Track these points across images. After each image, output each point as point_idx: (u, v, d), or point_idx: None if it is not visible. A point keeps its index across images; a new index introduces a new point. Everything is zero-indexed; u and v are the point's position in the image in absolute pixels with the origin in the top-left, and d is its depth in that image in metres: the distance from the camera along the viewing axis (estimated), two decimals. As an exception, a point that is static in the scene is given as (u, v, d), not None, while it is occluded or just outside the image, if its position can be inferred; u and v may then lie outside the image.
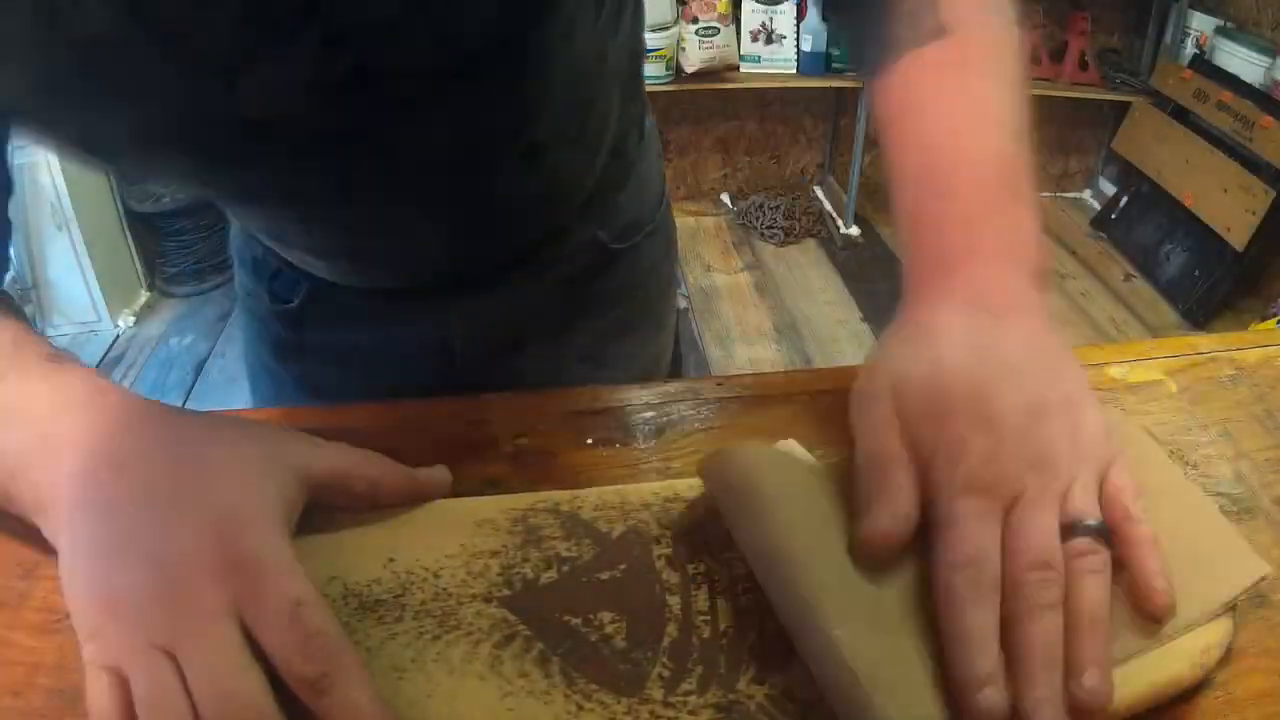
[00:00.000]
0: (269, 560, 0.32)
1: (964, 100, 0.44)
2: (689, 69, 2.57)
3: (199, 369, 2.29)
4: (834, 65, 2.70)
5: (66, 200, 2.25)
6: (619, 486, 0.41)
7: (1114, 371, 0.51)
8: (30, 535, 0.38)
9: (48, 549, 0.38)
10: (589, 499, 0.40)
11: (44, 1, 0.32)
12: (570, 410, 0.48)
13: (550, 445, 0.46)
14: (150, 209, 2.45)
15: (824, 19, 2.62)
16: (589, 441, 0.46)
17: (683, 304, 2.49)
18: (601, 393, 0.49)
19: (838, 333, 2.40)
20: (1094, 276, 2.68)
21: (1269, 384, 0.50)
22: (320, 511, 0.40)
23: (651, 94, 2.82)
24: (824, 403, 0.48)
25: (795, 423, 0.47)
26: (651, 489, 0.41)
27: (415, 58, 0.39)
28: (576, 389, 0.50)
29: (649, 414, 0.48)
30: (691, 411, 0.48)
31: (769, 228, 2.83)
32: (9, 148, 0.41)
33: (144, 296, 2.55)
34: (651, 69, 2.53)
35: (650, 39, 2.47)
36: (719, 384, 0.50)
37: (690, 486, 0.41)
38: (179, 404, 2.17)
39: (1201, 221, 2.40)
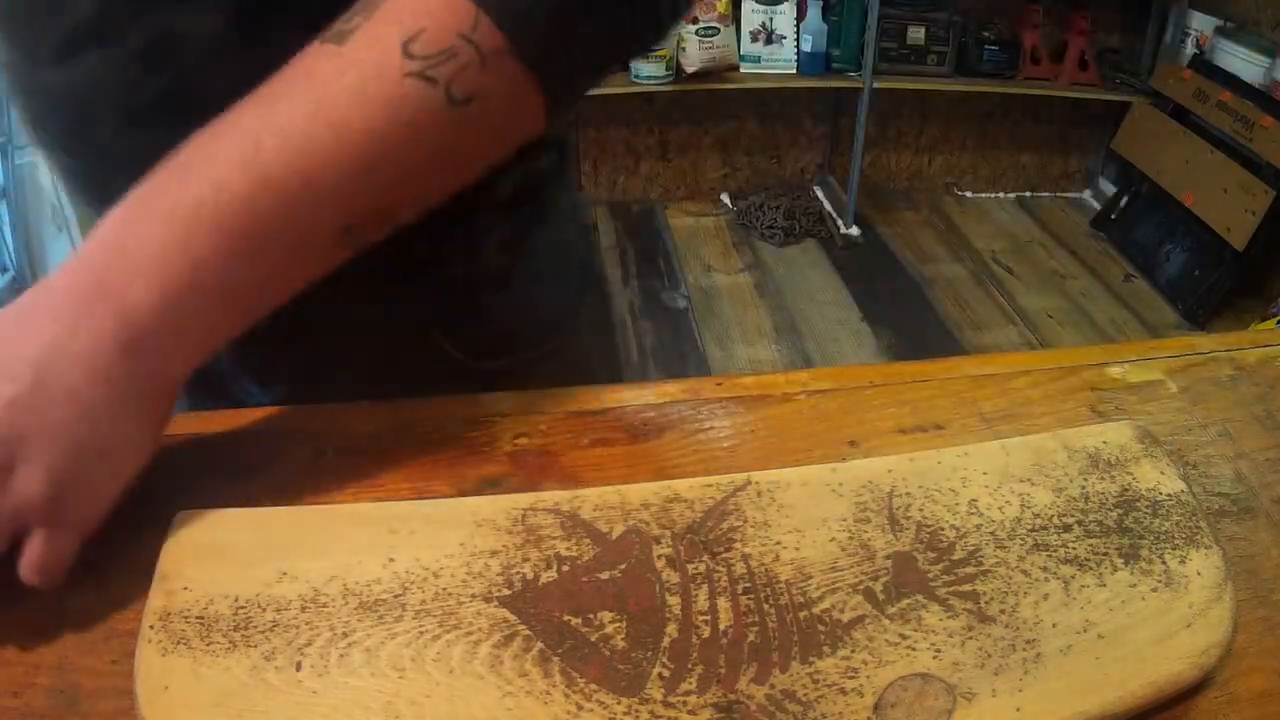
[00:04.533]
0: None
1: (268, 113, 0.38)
2: (689, 69, 2.57)
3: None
4: (834, 65, 2.70)
5: (66, 200, 2.25)
6: (619, 486, 0.41)
7: (1114, 371, 0.51)
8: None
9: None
10: (589, 499, 0.40)
11: None
12: (570, 410, 0.48)
13: (550, 445, 0.46)
14: (150, 209, 2.45)
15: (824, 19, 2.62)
16: (589, 441, 0.46)
17: (682, 304, 2.49)
18: (602, 392, 0.49)
19: (838, 333, 2.40)
20: (1094, 276, 2.68)
21: (1269, 384, 0.50)
22: (318, 510, 0.40)
23: (651, 94, 2.80)
24: (824, 403, 0.48)
25: (794, 423, 0.47)
26: (651, 489, 0.41)
27: None
28: (577, 389, 0.50)
29: (649, 414, 0.48)
30: (691, 411, 0.48)
31: (769, 228, 2.83)
32: None
33: (144, 296, 2.55)
34: (651, 69, 2.53)
35: (651, 39, 2.46)
36: (718, 384, 0.50)
37: (690, 486, 0.41)
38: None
39: (1201, 221, 2.40)
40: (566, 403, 0.49)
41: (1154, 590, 0.36)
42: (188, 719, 0.31)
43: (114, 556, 0.38)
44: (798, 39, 2.66)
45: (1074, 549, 0.38)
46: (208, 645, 0.33)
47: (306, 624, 0.34)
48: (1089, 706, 0.32)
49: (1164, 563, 0.37)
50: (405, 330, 0.54)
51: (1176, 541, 0.38)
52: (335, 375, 0.52)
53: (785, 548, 0.38)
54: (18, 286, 2.30)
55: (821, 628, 0.35)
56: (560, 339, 0.60)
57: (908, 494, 0.41)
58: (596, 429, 0.47)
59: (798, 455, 0.45)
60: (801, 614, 0.35)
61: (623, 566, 0.37)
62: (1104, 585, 0.36)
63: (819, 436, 0.47)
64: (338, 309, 0.40)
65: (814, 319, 2.45)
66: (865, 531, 0.39)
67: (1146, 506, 0.40)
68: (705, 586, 0.37)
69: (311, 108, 0.37)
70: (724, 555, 0.38)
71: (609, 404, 0.49)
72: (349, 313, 0.42)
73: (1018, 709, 0.32)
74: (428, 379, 0.49)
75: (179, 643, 0.33)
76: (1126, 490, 0.41)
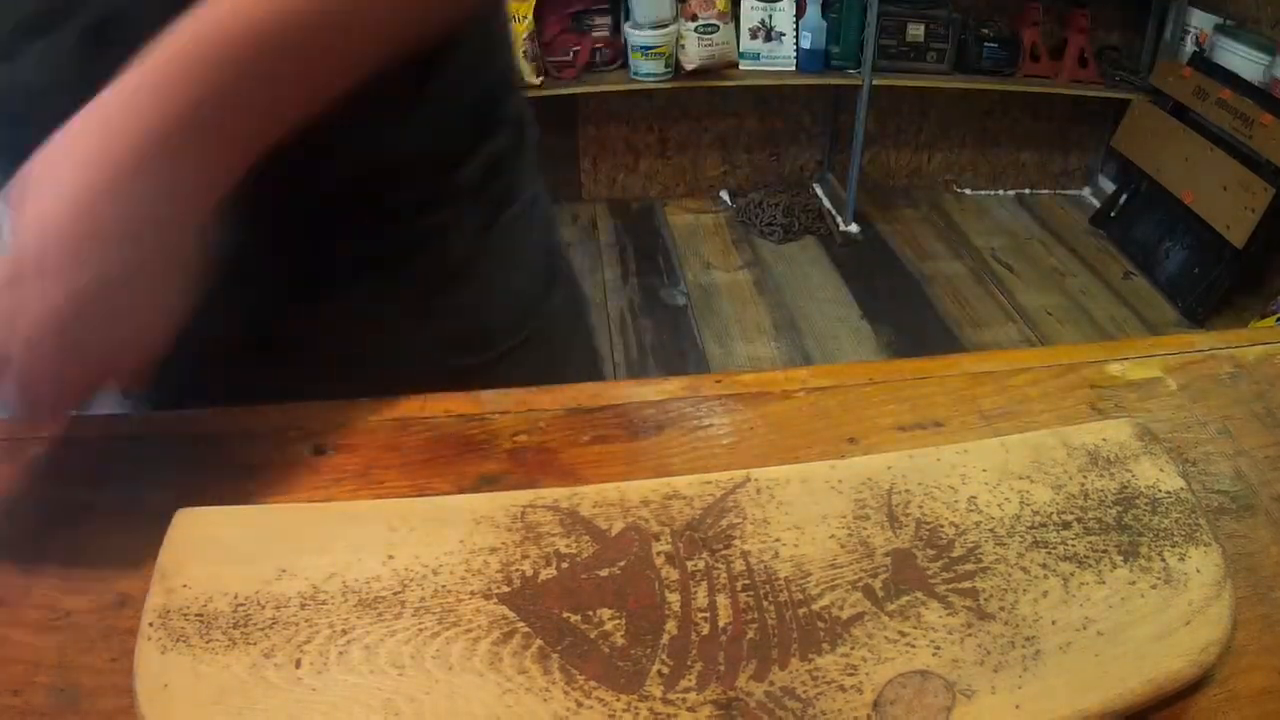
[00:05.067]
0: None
1: None
2: (688, 66, 2.57)
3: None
4: (833, 63, 2.70)
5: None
6: (618, 483, 0.41)
7: (1114, 369, 0.51)
8: (30, 533, 0.38)
9: (46, 548, 0.38)
10: (588, 496, 0.40)
11: None
12: (570, 407, 0.48)
13: (549, 442, 0.46)
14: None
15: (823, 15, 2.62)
16: (588, 438, 0.46)
17: (681, 301, 2.49)
18: (601, 389, 0.49)
19: (837, 330, 2.40)
20: (1093, 274, 2.68)
21: (1268, 381, 0.50)
22: (317, 507, 0.40)
23: (650, 91, 2.79)
24: (823, 400, 0.48)
25: (793, 420, 0.47)
26: (651, 486, 0.41)
27: None
28: (575, 385, 0.50)
29: (648, 411, 0.48)
30: (691, 409, 0.48)
31: (768, 225, 2.83)
32: None
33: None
34: (651, 66, 2.53)
35: (650, 36, 2.47)
36: (718, 381, 0.50)
37: (689, 484, 0.41)
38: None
39: (1201, 219, 2.40)
40: (565, 400, 0.48)
41: (1153, 587, 0.36)
42: (187, 717, 0.31)
43: (113, 554, 0.37)
44: (797, 36, 2.66)
45: (1073, 546, 0.38)
46: (207, 643, 0.33)
47: (306, 621, 0.34)
48: (1088, 704, 0.32)
49: (1163, 560, 0.37)
50: (377, 328, 0.54)
51: (1176, 539, 0.38)
52: (308, 377, 0.52)
53: (785, 545, 0.38)
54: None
55: (821, 625, 0.35)
56: (531, 332, 0.60)
57: (907, 491, 0.41)
58: (596, 426, 0.47)
59: (797, 452, 0.45)
60: (801, 611, 0.35)
61: (622, 564, 0.37)
62: (1103, 582, 0.36)
63: (818, 433, 0.47)
64: (311, 309, 0.41)
65: (813, 316, 2.45)
66: (864, 528, 0.39)
67: (1146, 504, 0.40)
68: (704, 583, 0.37)
69: None
70: (723, 552, 0.38)
71: (608, 401, 0.49)
72: (319, 312, 0.42)
73: (1017, 706, 0.32)
74: (400, 378, 0.49)
75: (178, 640, 0.33)
76: (1126, 487, 0.41)
